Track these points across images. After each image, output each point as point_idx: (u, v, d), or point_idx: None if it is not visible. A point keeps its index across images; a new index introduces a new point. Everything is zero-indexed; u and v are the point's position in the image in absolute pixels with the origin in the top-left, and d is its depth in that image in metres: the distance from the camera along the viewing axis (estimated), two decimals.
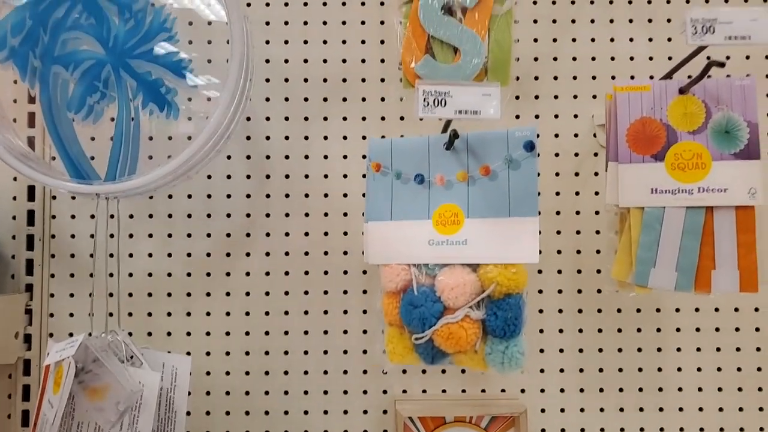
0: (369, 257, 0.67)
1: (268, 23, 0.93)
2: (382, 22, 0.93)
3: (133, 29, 0.70)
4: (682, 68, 0.69)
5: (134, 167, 0.71)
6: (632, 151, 0.68)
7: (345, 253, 0.91)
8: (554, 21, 0.93)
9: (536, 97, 0.93)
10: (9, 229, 0.90)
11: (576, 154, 0.92)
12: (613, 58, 0.93)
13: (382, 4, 0.91)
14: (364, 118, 0.92)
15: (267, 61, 0.93)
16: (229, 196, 0.91)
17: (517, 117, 0.93)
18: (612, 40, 0.93)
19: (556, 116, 0.93)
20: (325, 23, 0.93)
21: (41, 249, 0.90)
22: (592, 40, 0.93)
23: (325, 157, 0.92)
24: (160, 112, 0.70)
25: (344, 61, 0.93)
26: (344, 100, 0.92)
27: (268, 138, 0.92)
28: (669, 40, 0.93)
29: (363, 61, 0.93)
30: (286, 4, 0.93)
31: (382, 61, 0.93)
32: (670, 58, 0.93)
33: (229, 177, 0.92)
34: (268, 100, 0.92)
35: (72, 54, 0.70)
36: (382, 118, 0.92)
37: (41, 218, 0.90)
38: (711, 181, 0.66)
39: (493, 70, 0.70)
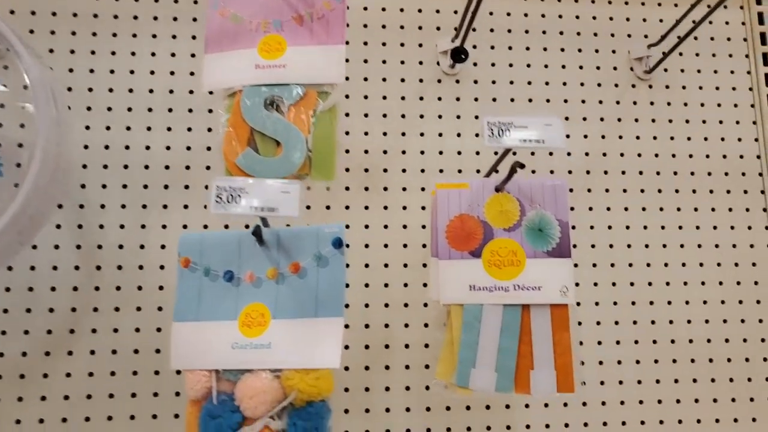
0: (173, 361, 0.62)
1: (110, 109, 0.90)
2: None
3: None
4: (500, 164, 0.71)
5: None
6: (451, 247, 0.68)
7: None
8: (403, 116, 0.95)
9: (385, 188, 0.93)
10: None
11: (424, 246, 0.92)
12: (459, 152, 0.95)
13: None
14: (206, 207, 0.89)
15: (107, 147, 0.89)
16: (53, 288, 0.84)
17: (366, 208, 0.92)
18: (459, 134, 0.96)
19: (405, 207, 0.93)
20: (170, 110, 0.91)
21: None
22: (440, 134, 0.95)
23: (163, 247, 0.87)
24: None
25: (188, 148, 0.90)
26: (186, 187, 0.89)
27: (101, 227, 0.87)
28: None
29: (209, 149, 0.91)
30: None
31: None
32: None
33: (55, 268, 0.85)
34: (104, 187, 0.88)
35: None
36: None
37: None
38: (525, 278, 0.66)
39: (316, 164, 0.69)
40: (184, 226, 0.88)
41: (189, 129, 0.91)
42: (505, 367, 0.65)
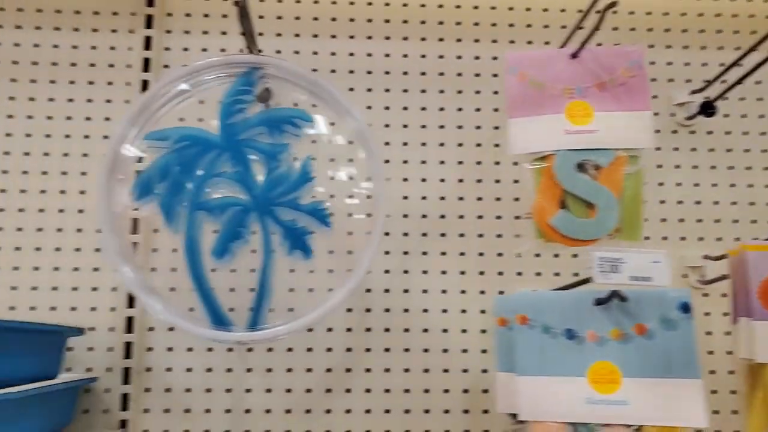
0: (522, 413, 0.66)
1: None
2: (478, 162, 0.97)
3: (279, 177, 0.72)
4: None
5: (264, 317, 0.70)
6: (764, 307, 0.70)
7: (446, 391, 0.90)
8: None
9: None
10: (104, 361, 0.87)
11: None
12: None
13: (479, 145, 0.95)
14: (462, 254, 0.94)
15: None
16: (330, 329, 0.91)
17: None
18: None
19: None
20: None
21: (138, 382, 0.87)
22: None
23: (424, 291, 0.93)
24: (305, 259, 0.71)
25: (442, 198, 0.96)
26: (443, 235, 0.95)
27: (369, 272, 0.93)
28: None
29: (461, 198, 0.96)
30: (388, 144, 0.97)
31: (479, 199, 0.96)
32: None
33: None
34: None
35: (217, 200, 0.71)
36: (480, 254, 0.94)
37: (139, 351, 0.88)
38: None
39: (626, 227, 0.72)
40: (443, 272, 0.93)
41: (442, 180, 0.96)
42: None
